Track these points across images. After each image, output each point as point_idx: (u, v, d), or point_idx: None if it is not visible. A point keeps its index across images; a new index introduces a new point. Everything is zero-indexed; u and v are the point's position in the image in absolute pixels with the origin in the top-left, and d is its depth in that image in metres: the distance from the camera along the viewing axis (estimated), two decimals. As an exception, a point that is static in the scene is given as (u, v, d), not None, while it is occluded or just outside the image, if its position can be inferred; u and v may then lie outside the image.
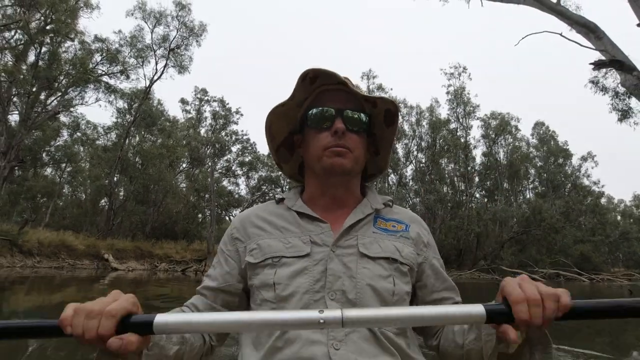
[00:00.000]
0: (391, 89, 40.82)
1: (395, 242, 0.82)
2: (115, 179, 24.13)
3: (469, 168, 35.53)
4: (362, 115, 0.85)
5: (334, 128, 0.80)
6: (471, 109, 35.30)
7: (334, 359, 0.68)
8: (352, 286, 0.74)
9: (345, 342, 0.70)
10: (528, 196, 40.66)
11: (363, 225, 0.83)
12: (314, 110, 0.83)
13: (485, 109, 49.83)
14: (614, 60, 7.21)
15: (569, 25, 8.75)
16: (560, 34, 7.95)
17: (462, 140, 34.90)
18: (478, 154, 37.39)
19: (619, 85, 8.47)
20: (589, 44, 8.18)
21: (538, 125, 42.21)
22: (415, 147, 36.07)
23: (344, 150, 0.81)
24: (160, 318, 0.53)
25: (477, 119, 36.35)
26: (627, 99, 8.58)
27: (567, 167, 41.07)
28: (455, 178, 36.31)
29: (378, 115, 0.89)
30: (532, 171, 41.21)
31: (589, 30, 8.15)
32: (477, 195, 38.31)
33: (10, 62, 18.81)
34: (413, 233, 0.86)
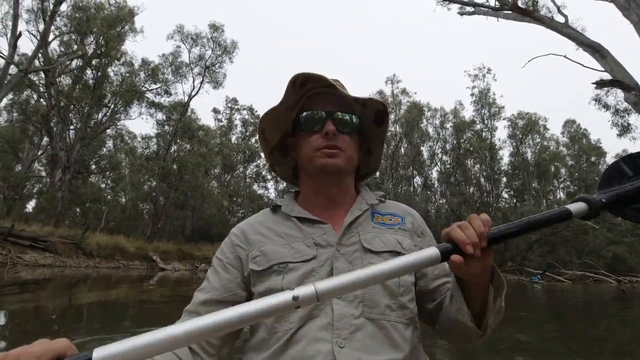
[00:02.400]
0: (415, 93, 41.40)
1: (394, 235, 0.84)
2: (153, 184, 26.22)
3: (495, 169, 35.48)
4: (352, 116, 0.86)
5: (325, 130, 0.82)
6: (496, 110, 35.22)
7: (338, 357, 0.67)
8: None
9: (350, 339, 0.70)
10: (559, 196, 39.94)
11: (362, 222, 0.84)
12: (305, 114, 0.85)
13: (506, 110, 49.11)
14: (614, 80, 7.89)
15: (577, 44, 9.45)
16: (564, 56, 8.68)
17: (488, 142, 34.92)
18: (505, 155, 37.23)
19: (619, 103, 9.01)
20: (595, 63, 8.86)
21: (568, 123, 41.22)
22: (440, 149, 36.42)
23: (335, 151, 0.82)
24: (100, 353, 0.44)
25: (504, 119, 36.19)
26: (626, 116, 9.08)
27: (600, 166, 40.02)
28: (482, 179, 36.29)
29: (368, 116, 0.90)
30: (563, 170, 40.42)
31: (594, 49, 8.83)
32: (506, 196, 38.09)
33: (68, 84, 21.17)
34: (409, 224, 0.88)
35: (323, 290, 0.52)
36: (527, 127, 36.11)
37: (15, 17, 11.60)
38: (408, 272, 0.58)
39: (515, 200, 37.47)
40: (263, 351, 0.74)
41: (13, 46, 11.58)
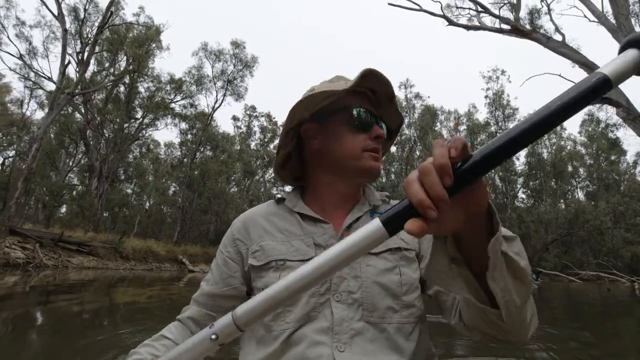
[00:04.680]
0: (428, 97, 41.92)
1: None
2: (177, 189, 27.73)
3: (510, 169, 35.71)
4: (385, 126, 0.86)
5: (376, 133, 0.80)
6: (511, 111, 35.45)
7: None
8: (357, 286, 0.73)
9: (350, 344, 0.69)
10: (577, 196, 39.68)
11: (361, 223, 0.81)
12: (360, 110, 0.80)
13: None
14: (603, 97, 8.64)
15: (573, 62, 10.20)
16: (559, 75, 9.44)
17: (502, 143, 35.16)
18: (521, 155, 37.27)
19: (609, 117, 9.58)
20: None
21: (586, 122, 40.77)
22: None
23: (379, 155, 0.82)
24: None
25: (519, 120, 36.24)
26: (615, 130, 9.64)
27: (620, 165, 39.54)
28: (497, 179, 36.54)
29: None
30: (582, 170, 40.11)
31: (588, 67, 9.59)
32: (523, 196, 38.16)
33: (101, 99, 22.95)
34: None
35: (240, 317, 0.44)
36: (542, 127, 36.08)
37: (64, 47, 13.11)
38: (352, 258, 0.41)
39: (533, 201, 37.49)
40: (262, 349, 0.73)
41: (62, 73, 13.10)
